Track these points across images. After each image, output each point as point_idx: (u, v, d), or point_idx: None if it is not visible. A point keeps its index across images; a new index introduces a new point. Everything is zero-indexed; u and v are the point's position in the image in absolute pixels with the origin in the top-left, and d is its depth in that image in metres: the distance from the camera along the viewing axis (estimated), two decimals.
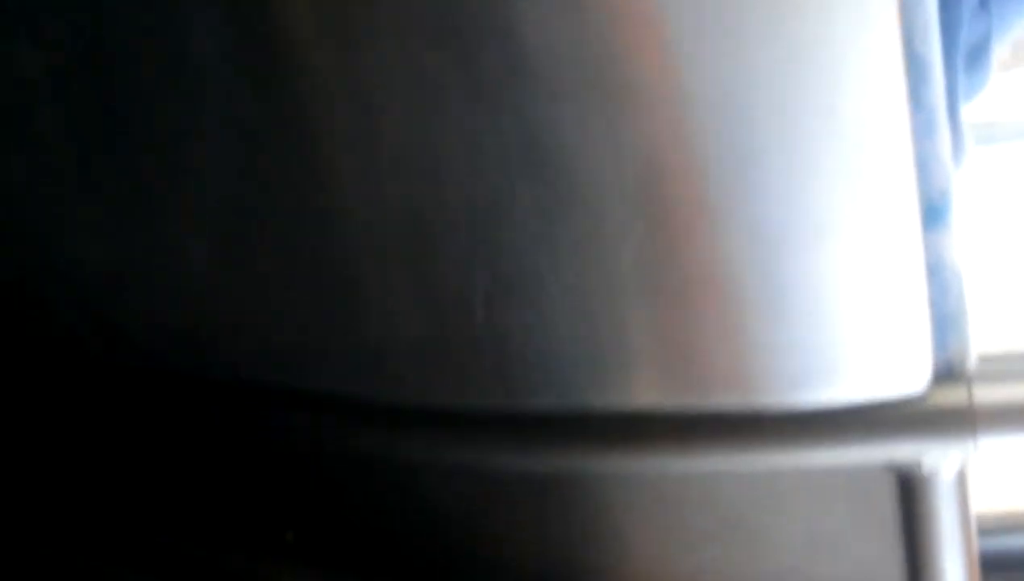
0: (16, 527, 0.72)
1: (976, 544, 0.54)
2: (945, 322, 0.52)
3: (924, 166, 0.48)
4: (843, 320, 0.51)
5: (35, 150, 0.59)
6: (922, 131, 0.47)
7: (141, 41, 0.53)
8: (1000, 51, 0.62)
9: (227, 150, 0.54)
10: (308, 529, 0.66)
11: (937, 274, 0.51)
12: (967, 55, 0.57)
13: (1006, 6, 0.60)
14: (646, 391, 0.53)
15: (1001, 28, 0.61)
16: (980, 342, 0.53)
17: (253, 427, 0.64)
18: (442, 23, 0.46)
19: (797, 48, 0.45)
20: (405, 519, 0.63)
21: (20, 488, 0.73)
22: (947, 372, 0.53)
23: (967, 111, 0.61)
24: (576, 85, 0.46)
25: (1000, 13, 0.60)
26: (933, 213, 0.50)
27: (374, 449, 0.61)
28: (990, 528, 0.82)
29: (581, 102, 0.47)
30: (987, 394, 0.53)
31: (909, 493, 0.53)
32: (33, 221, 0.64)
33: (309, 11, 0.47)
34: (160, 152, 0.56)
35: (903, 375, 0.52)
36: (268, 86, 0.51)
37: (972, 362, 0.53)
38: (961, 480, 0.54)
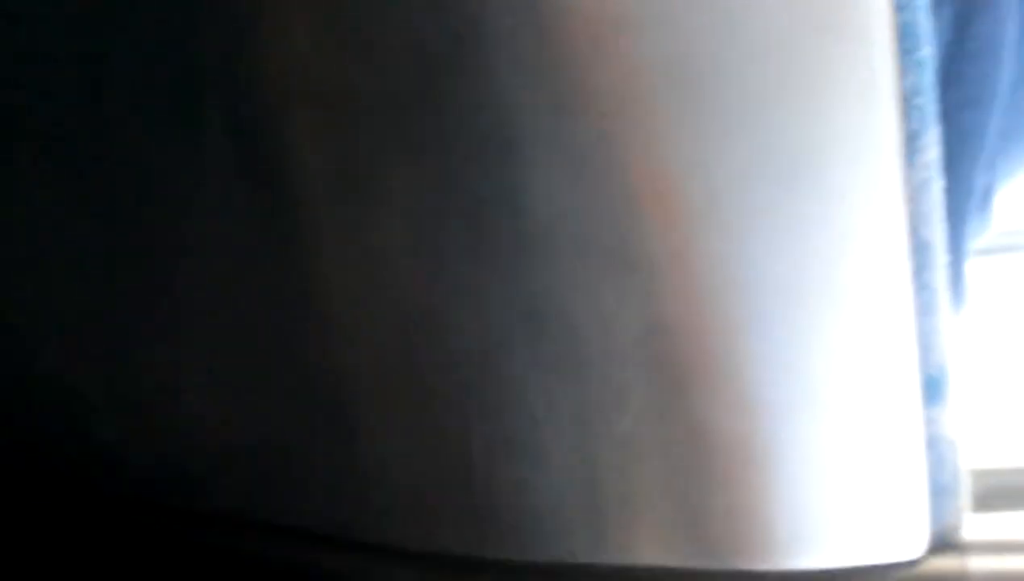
0: None
1: None
2: (941, 493, 0.52)
3: (924, 343, 0.49)
4: (840, 487, 0.52)
5: (30, 270, 0.59)
6: (924, 310, 0.48)
7: (145, 165, 0.53)
8: None
9: (225, 285, 0.54)
10: None
11: (934, 447, 0.51)
12: (980, 196, 0.58)
13: (1013, 160, 0.61)
14: (644, 550, 0.53)
15: (1008, 174, 0.62)
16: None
17: (240, 561, 0.63)
18: (451, 194, 0.47)
19: (803, 229, 0.46)
20: None
21: None
22: (942, 541, 0.53)
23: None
24: (581, 253, 0.47)
25: (1006, 166, 0.61)
26: (932, 388, 0.50)
27: None
28: None
29: (585, 269, 0.48)
30: (982, 563, 0.54)
31: None
32: (26, 340, 0.64)
33: (319, 173, 0.48)
34: (154, 277, 0.56)
35: (898, 543, 0.53)
36: (270, 224, 0.52)
37: (967, 531, 0.53)
38: None
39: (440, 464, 0.54)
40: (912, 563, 0.53)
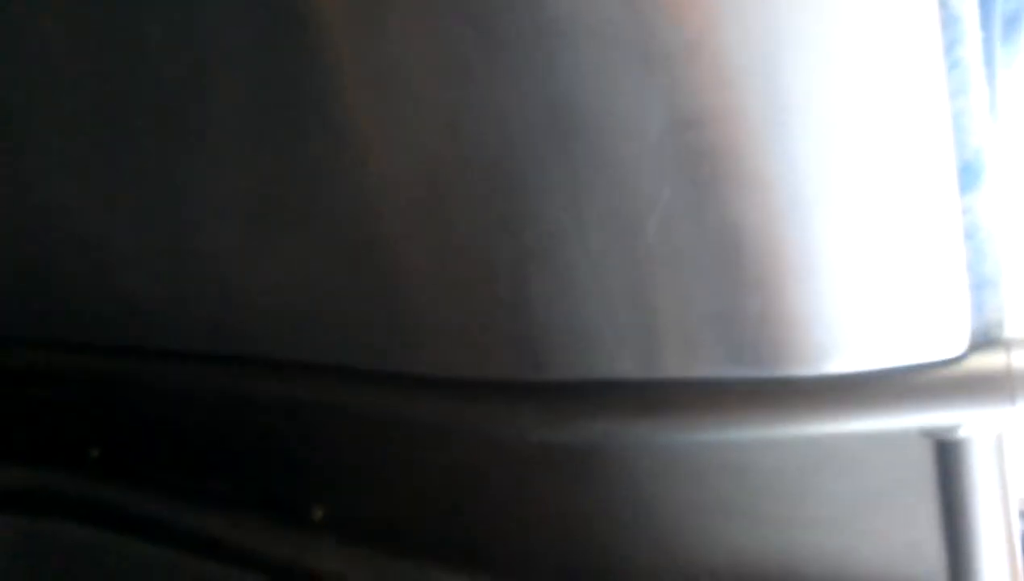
0: None
1: (1014, 506, 0.53)
2: (982, 286, 0.51)
3: (959, 124, 0.47)
4: (878, 285, 0.50)
5: (64, 133, 0.59)
6: (956, 90, 0.46)
7: (168, 28, 0.52)
8: None
9: (245, 122, 0.54)
10: (335, 504, 0.67)
11: (973, 237, 0.50)
12: (1003, 25, 0.55)
13: None
14: (674, 360, 0.53)
15: None
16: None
17: (278, 401, 0.64)
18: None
19: (825, 8, 0.44)
20: (424, 492, 0.63)
21: None
22: (984, 337, 0.52)
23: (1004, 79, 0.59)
24: (602, 45, 0.46)
25: None
26: (969, 174, 0.48)
27: (392, 417, 0.61)
28: None
29: (608, 61, 0.46)
30: None
31: (947, 456, 0.52)
32: (62, 199, 0.64)
33: None
34: (181, 128, 0.56)
35: (940, 340, 0.51)
36: (290, 55, 0.51)
37: (1010, 326, 0.52)
38: (999, 444, 0.53)
39: (466, 283, 0.53)
40: (953, 361, 0.52)
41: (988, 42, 0.56)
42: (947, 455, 0.53)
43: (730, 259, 0.50)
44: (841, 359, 0.52)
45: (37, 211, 0.65)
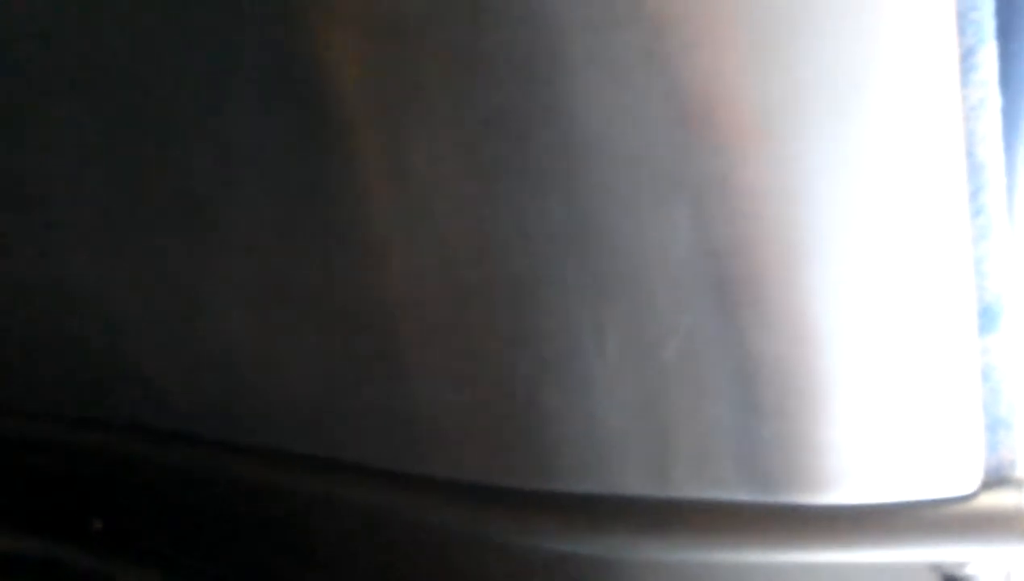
0: None
1: None
2: (996, 426, 0.51)
3: (980, 270, 0.48)
4: (895, 418, 0.51)
5: (80, 205, 0.60)
6: (979, 235, 0.47)
7: (186, 97, 0.53)
8: None
9: (269, 215, 0.54)
10: None
11: (990, 378, 0.50)
12: None
13: None
14: (685, 480, 0.53)
15: None
16: None
17: (283, 491, 0.64)
18: (494, 104, 0.46)
19: (857, 151, 0.45)
20: None
21: None
22: (997, 475, 0.52)
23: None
24: (633, 168, 0.46)
25: None
26: (988, 316, 0.49)
27: (406, 520, 0.61)
28: None
29: (637, 185, 0.47)
30: None
31: None
32: (79, 275, 0.64)
33: (363, 92, 0.47)
34: (203, 216, 0.57)
35: (953, 476, 0.51)
36: (317, 154, 0.51)
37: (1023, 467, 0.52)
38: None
39: (484, 391, 0.53)
40: (966, 498, 0.52)
41: (1014, 153, 0.57)
42: None
43: (748, 384, 0.50)
44: (853, 489, 0.52)
45: (53, 285, 0.65)
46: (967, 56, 0.44)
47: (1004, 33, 0.47)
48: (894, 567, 0.54)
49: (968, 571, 0.53)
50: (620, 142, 0.45)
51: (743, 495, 0.53)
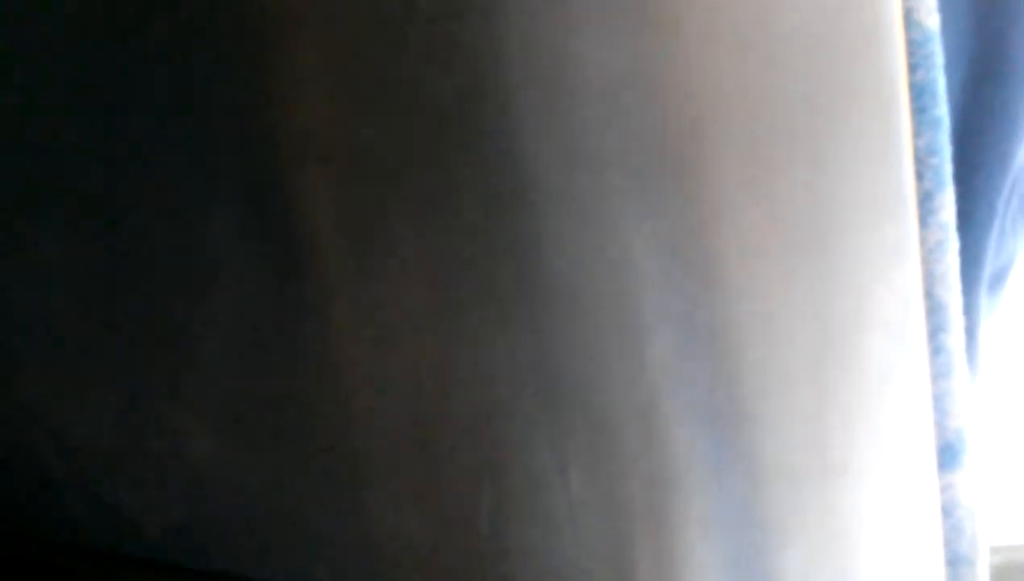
0: None
1: None
2: (958, 563, 0.51)
3: (941, 407, 0.49)
4: (856, 555, 0.50)
5: (44, 327, 0.59)
6: (940, 373, 0.48)
7: (157, 226, 0.53)
8: None
9: (237, 343, 0.54)
10: None
11: (951, 514, 0.50)
12: (990, 279, 0.58)
13: None
14: None
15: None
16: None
17: None
18: (462, 241, 0.46)
19: (819, 292, 0.45)
20: None
21: None
22: None
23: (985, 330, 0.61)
24: (596, 312, 0.46)
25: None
26: (949, 453, 0.49)
27: None
28: None
29: (600, 326, 0.47)
30: None
31: None
32: (35, 391, 0.63)
33: (332, 227, 0.47)
34: (168, 338, 0.56)
35: None
36: (284, 287, 0.51)
37: None
38: None
39: (447, 525, 0.53)
40: None
41: (973, 296, 0.58)
42: None
43: (712, 526, 0.50)
44: None
45: (17, 407, 0.64)
46: (925, 200, 0.45)
47: (961, 174, 0.49)
48: None
49: None
50: (587, 282, 0.45)
51: None
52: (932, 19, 0.44)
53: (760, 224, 0.44)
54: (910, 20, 0.43)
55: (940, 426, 0.49)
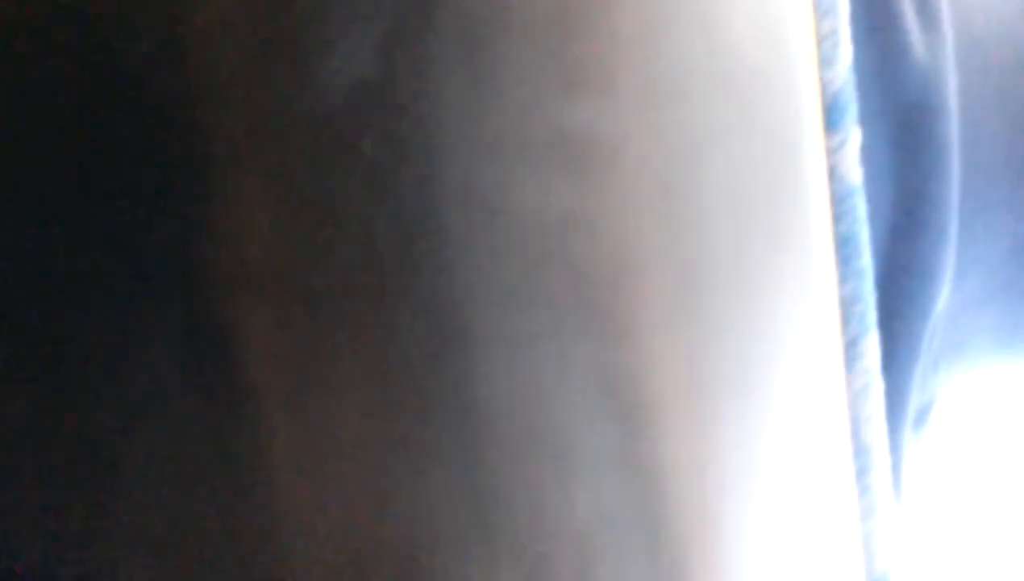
0: None
1: None
2: None
3: (868, 546, 0.49)
4: None
5: None
6: (866, 514, 0.49)
7: (92, 355, 0.53)
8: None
9: (171, 470, 0.53)
10: None
11: None
12: (914, 417, 0.59)
13: (957, 364, 0.63)
14: None
15: (949, 385, 0.64)
16: None
17: None
18: (399, 375, 0.47)
19: (747, 435, 0.46)
20: None
21: None
22: None
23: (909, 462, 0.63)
24: (531, 442, 0.47)
25: (949, 373, 0.62)
26: None
27: None
28: None
29: (535, 458, 0.47)
30: None
31: None
32: None
33: (269, 357, 0.48)
34: (100, 470, 0.55)
35: None
36: (220, 414, 0.51)
37: None
38: None
39: None
40: None
41: (897, 434, 0.60)
42: None
43: None
44: None
45: None
46: (851, 345, 0.47)
47: (885, 320, 0.50)
48: None
49: None
50: (522, 417, 0.46)
51: None
52: (855, 174, 0.46)
53: (690, 366, 0.45)
54: (834, 175, 0.45)
55: (867, 564, 0.49)
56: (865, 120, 0.47)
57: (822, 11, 0.47)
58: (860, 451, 0.48)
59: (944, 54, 0.54)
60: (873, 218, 0.48)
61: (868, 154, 0.47)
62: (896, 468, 0.54)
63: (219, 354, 0.49)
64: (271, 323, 0.48)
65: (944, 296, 0.56)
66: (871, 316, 0.47)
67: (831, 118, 0.46)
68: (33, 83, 0.44)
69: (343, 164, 0.45)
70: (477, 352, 0.46)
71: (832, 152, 0.46)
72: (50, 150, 0.46)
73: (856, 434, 0.47)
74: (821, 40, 0.46)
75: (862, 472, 0.48)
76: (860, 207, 0.46)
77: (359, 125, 0.45)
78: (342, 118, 0.45)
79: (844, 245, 0.46)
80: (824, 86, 0.46)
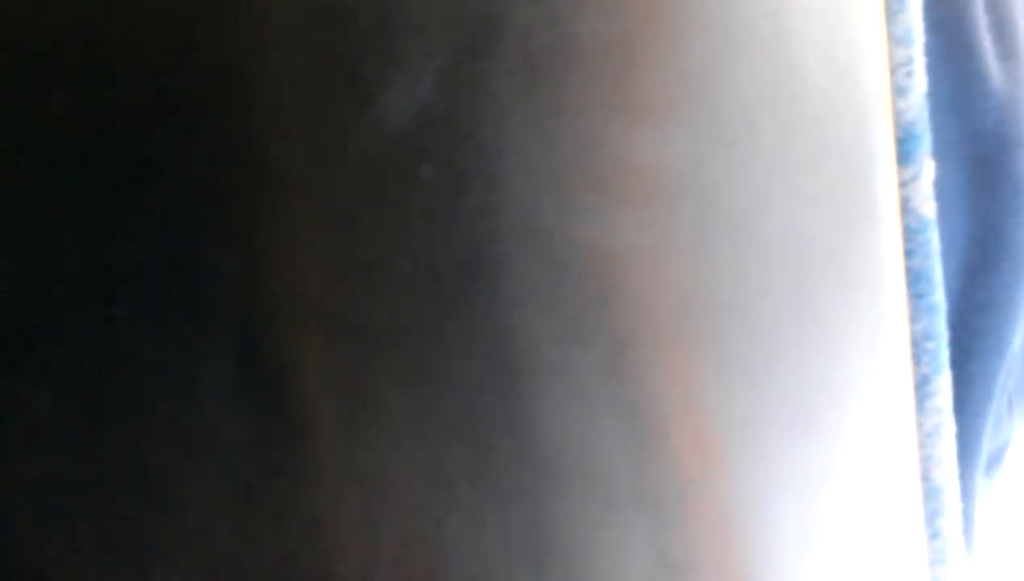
0: None
1: None
2: None
3: None
4: None
5: (33, 490, 0.58)
6: (936, 559, 0.47)
7: (149, 383, 0.53)
8: None
9: (225, 507, 0.53)
10: None
11: None
12: (987, 461, 0.57)
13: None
14: None
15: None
16: None
17: None
18: (456, 413, 0.46)
19: (817, 475, 0.45)
20: None
21: None
22: None
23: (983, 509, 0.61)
24: (590, 487, 0.46)
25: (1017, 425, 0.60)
26: None
27: None
28: None
29: (593, 503, 0.46)
30: None
31: None
32: (23, 559, 0.62)
33: (325, 394, 0.47)
34: (155, 496, 0.55)
35: None
36: (275, 452, 0.51)
37: None
38: None
39: None
40: None
41: (969, 478, 0.58)
42: None
43: None
44: None
45: None
46: (922, 384, 0.45)
47: (958, 359, 0.49)
48: None
49: None
50: (580, 457, 0.45)
51: None
52: (928, 207, 0.44)
53: (755, 404, 0.44)
54: (907, 208, 0.44)
55: None
56: (940, 152, 0.46)
57: (896, 39, 0.45)
58: (931, 493, 0.46)
59: (1022, 84, 0.52)
60: (947, 254, 0.46)
61: (942, 187, 0.46)
62: (968, 513, 0.53)
63: (275, 387, 0.48)
64: (328, 356, 0.47)
65: (1020, 335, 0.54)
66: (944, 354, 0.45)
67: (904, 150, 0.44)
68: (95, 114, 0.44)
69: (403, 195, 0.45)
70: (535, 387, 0.45)
71: (905, 185, 0.45)
72: (113, 182, 0.45)
73: (927, 476, 0.46)
74: (895, 69, 0.45)
75: (932, 516, 0.46)
76: (933, 242, 0.44)
77: (419, 155, 0.44)
78: (402, 148, 0.44)
79: (917, 281, 0.44)
80: (897, 117, 0.45)
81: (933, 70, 0.46)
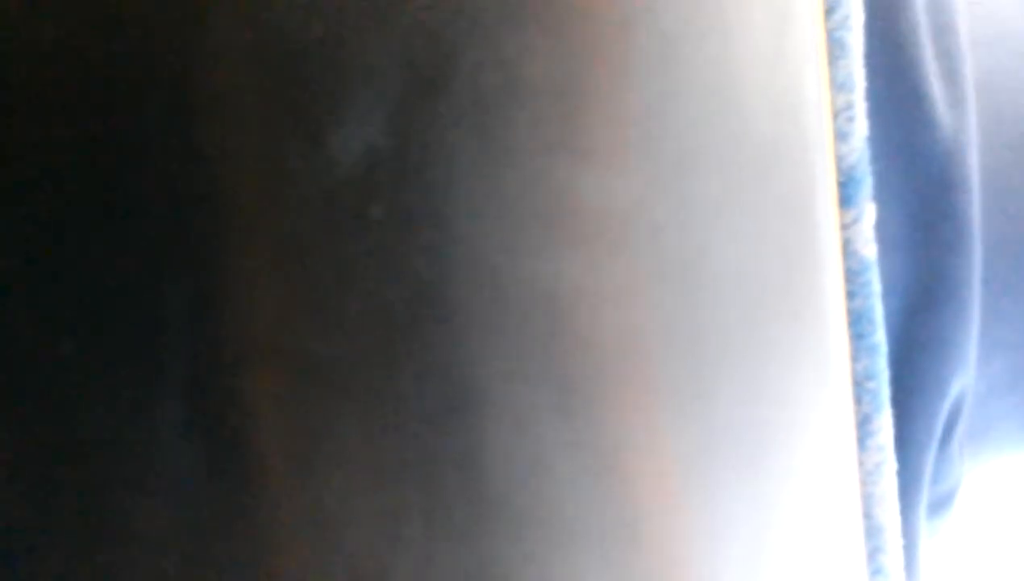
0: None
1: None
2: None
3: None
4: None
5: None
6: None
7: (98, 419, 0.52)
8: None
9: (176, 541, 0.53)
10: None
11: None
12: (935, 503, 0.58)
13: (983, 451, 0.61)
14: None
15: (974, 471, 0.62)
16: None
17: None
18: (406, 449, 0.46)
19: (760, 509, 0.45)
20: None
21: None
22: None
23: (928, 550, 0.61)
24: (539, 522, 0.46)
25: (975, 460, 0.61)
26: None
27: None
28: None
29: (543, 538, 0.47)
30: None
31: None
32: None
33: (276, 427, 0.47)
34: (103, 533, 0.55)
35: None
36: (227, 484, 0.51)
37: None
38: None
39: None
40: None
41: (912, 515, 0.58)
42: None
43: None
44: None
45: None
46: (864, 422, 0.46)
47: (900, 398, 0.50)
48: None
49: None
50: (531, 494, 0.45)
51: None
52: (869, 249, 0.45)
53: (698, 442, 0.45)
54: (848, 250, 0.45)
55: None
56: (884, 194, 0.47)
57: (838, 84, 0.46)
58: (873, 531, 0.47)
59: (968, 129, 0.54)
60: (889, 294, 0.47)
61: (886, 228, 0.47)
62: (911, 550, 0.53)
63: (225, 424, 0.48)
64: (278, 393, 0.47)
65: (965, 377, 0.55)
66: (884, 393, 0.46)
67: (846, 193, 0.45)
68: (41, 149, 0.44)
69: (353, 234, 0.45)
70: (484, 424, 0.45)
71: (847, 227, 0.45)
72: (60, 220, 0.46)
73: (869, 513, 0.46)
74: (837, 114, 0.46)
75: (874, 552, 0.47)
76: (875, 282, 0.45)
77: (369, 194, 0.45)
78: (352, 187, 0.44)
79: (858, 321, 0.45)
80: (839, 161, 0.46)
81: (882, 115, 0.47)
